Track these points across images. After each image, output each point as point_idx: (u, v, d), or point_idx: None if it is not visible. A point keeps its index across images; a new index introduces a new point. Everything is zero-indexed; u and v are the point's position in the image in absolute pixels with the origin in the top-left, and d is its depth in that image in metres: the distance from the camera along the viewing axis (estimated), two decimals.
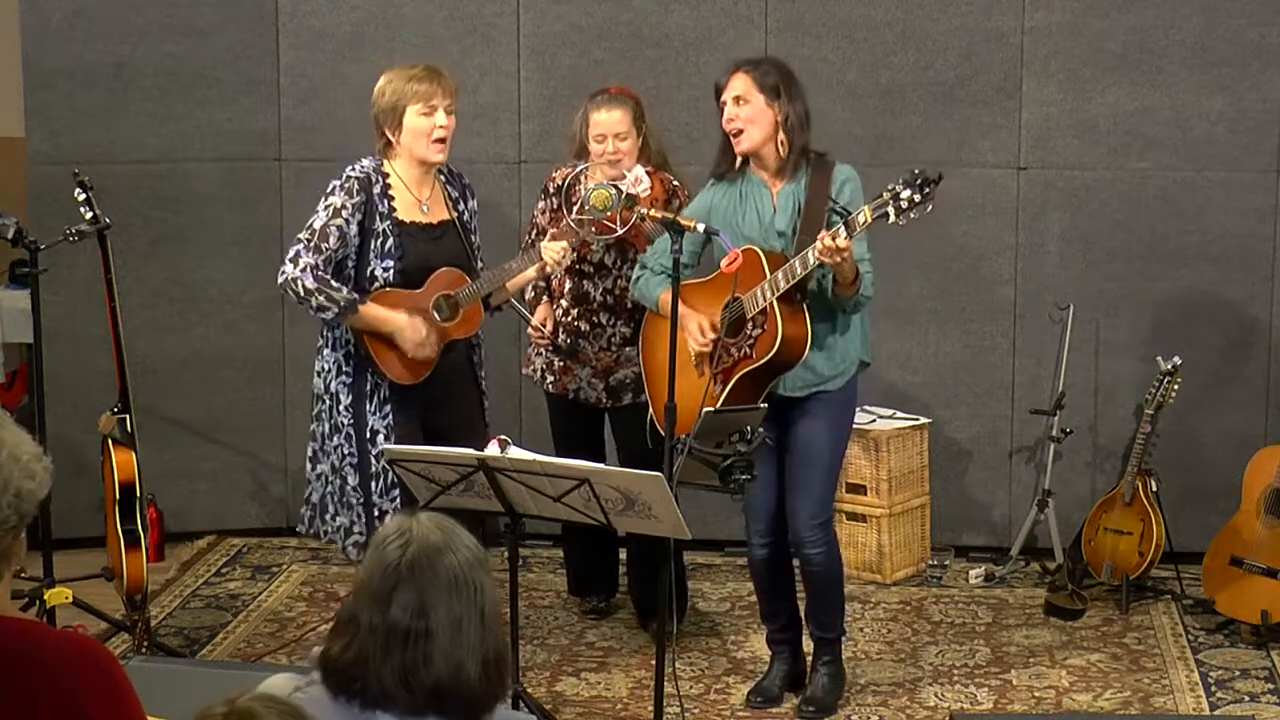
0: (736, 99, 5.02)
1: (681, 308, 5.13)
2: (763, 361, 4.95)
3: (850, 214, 4.80)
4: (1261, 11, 6.33)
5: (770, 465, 5.13)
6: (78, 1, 6.55)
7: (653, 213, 5.06)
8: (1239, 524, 5.90)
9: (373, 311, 5.05)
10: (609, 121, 5.53)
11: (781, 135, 5.03)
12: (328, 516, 5.19)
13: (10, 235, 5.48)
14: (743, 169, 5.11)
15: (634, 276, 5.33)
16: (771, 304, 4.92)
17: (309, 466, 5.24)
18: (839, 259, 4.75)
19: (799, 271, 4.85)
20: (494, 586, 2.67)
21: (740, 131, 5.02)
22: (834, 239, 4.72)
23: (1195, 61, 6.37)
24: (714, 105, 4.94)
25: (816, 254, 4.77)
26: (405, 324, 5.04)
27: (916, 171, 4.70)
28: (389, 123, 5.10)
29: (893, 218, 4.69)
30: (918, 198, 4.66)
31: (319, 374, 5.20)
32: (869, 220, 4.73)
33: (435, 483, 4.51)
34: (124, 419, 5.59)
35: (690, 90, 6.47)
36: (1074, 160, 6.46)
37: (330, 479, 5.17)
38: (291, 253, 5.03)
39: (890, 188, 4.71)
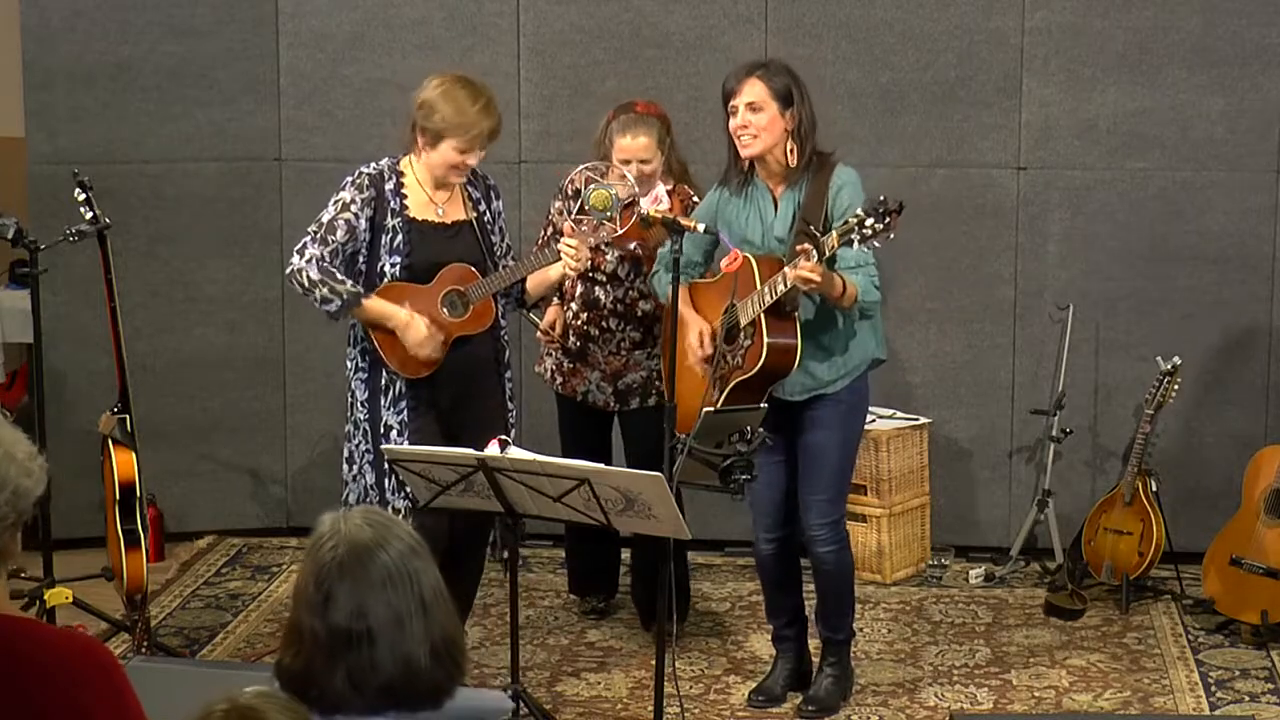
0: (750, 105, 4.96)
1: (688, 312, 5.14)
2: (752, 372, 4.94)
3: (822, 237, 4.76)
4: (1261, 11, 6.33)
5: (777, 463, 5.13)
6: (78, 1, 6.55)
7: (653, 212, 5.05)
8: (1239, 524, 5.90)
9: (376, 306, 5.03)
10: (633, 148, 5.47)
11: (791, 143, 5.00)
12: None
13: (10, 235, 5.48)
14: (750, 174, 5.09)
15: (652, 271, 5.32)
16: (759, 316, 4.91)
17: (345, 468, 5.22)
18: (811, 286, 4.75)
19: (780, 289, 4.83)
20: (433, 568, 2.61)
21: (754, 138, 4.96)
22: (801, 268, 4.70)
23: (1195, 61, 6.37)
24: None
25: (789, 279, 4.76)
26: (406, 321, 5.02)
27: (880, 199, 4.68)
28: (426, 135, 5.05)
29: (857, 245, 4.68)
30: (879, 226, 4.64)
31: (347, 374, 5.20)
32: (835, 245, 4.72)
33: (435, 483, 4.51)
34: (124, 419, 5.59)
35: (690, 90, 6.47)
36: (1074, 160, 6.46)
37: (360, 478, 5.17)
38: (299, 244, 5.03)
39: (857, 214, 4.69)
